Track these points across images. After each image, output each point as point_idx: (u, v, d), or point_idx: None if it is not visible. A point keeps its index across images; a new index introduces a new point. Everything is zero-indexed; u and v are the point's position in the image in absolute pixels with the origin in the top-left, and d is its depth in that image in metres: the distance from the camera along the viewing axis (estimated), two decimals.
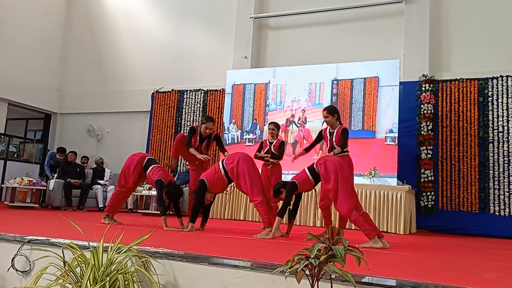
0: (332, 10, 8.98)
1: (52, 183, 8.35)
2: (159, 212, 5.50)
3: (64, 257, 2.43)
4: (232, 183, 4.97)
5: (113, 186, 8.67)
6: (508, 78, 7.53)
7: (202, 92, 9.73)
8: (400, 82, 7.57)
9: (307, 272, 1.86)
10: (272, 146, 5.79)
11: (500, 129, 7.47)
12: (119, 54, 11.20)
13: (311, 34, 9.23)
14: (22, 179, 8.11)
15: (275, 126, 6.03)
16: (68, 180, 8.38)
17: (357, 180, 6.94)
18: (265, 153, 5.73)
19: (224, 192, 5.26)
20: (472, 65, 7.91)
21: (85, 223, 5.04)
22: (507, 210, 7.23)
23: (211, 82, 9.69)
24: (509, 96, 7.49)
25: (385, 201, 6.82)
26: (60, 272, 2.35)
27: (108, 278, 2.21)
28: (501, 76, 7.58)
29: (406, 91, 7.89)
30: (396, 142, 7.30)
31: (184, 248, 2.78)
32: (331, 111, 4.95)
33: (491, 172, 7.43)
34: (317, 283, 1.87)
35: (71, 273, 2.31)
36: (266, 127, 8.27)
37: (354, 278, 1.85)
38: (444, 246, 5.03)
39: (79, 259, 2.33)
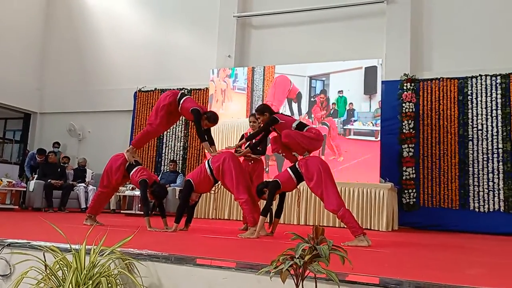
0: (315, 10, 9.03)
1: (32, 184, 8.20)
2: (142, 213, 5.44)
3: (45, 260, 2.38)
4: (219, 183, 4.94)
5: (94, 187, 8.56)
6: (487, 77, 7.70)
7: (186, 91, 9.67)
8: (382, 81, 7.66)
9: (292, 272, 1.87)
10: (253, 141, 5.35)
11: (480, 127, 7.63)
12: (101, 53, 11.05)
13: (294, 33, 9.26)
14: (1, 180, 7.94)
15: (256, 118, 5.87)
16: (49, 181, 8.24)
17: (340, 177, 7.03)
18: (245, 148, 5.29)
19: (211, 191, 5.22)
20: (452, 65, 8.06)
21: (67, 224, 4.96)
22: (486, 206, 7.40)
23: (194, 81, 9.64)
24: (488, 95, 7.66)
25: (368, 199, 6.89)
26: (41, 276, 2.31)
27: (91, 282, 2.18)
28: (480, 75, 7.74)
29: (388, 90, 8.00)
30: (379, 138, 7.38)
31: (168, 249, 2.75)
32: (261, 111, 4.74)
33: (470, 169, 7.59)
34: (302, 282, 1.88)
35: (52, 276, 2.27)
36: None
37: (338, 277, 1.86)
38: (426, 243, 5.11)
39: (61, 262, 2.29)
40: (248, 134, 5.71)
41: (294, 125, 4.65)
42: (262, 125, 4.85)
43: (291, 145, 4.59)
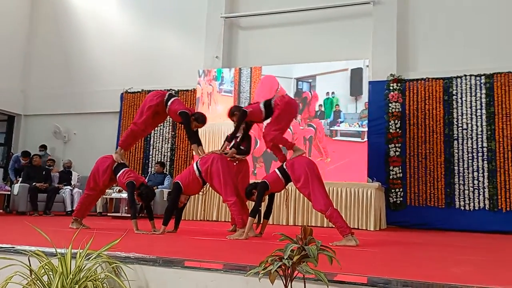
0: (302, 11, 9.06)
1: (16, 187, 8.06)
2: (129, 215, 5.39)
3: (30, 265, 2.35)
4: (207, 184, 4.93)
5: (79, 190, 8.46)
6: (471, 77, 7.81)
7: (173, 92, 9.60)
8: (369, 82, 7.71)
9: (281, 272, 1.86)
10: (238, 140, 5.33)
11: (464, 126, 7.74)
12: (87, 54, 10.92)
13: (282, 34, 9.28)
14: None
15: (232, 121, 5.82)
16: (34, 184, 8.10)
17: (328, 177, 7.05)
18: (230, 148, 5.26)
19: (199, 193, 5.20)
20: (437, 65, 8.16)
21: (52, 228, 4.90)
22: (471, 204, 7.50)
23: (182, 82, 9.59)
24: (473, 94, 7.77)
25: (356, 199, 6.93)
26: (26, 281, 2.27)
27: (77, 286, 2.15)
28: (464, 75, 7.84)
29: (375, 90, 8.06)
30: (366, 139, 7.42)
31: (156, 252, 2.73)
32: (231, 114, 5.06)
33: (456, 168, 7.69)
34: (291, 283, 1.87)
35: (38, 281, 2.23)
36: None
37: (326, 277, 1.87)
38: (413, 241, 5.16)
39: (46, 266, 2.26)
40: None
41: (261, 106, 4.78)
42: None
43: (278, 141, 4.64)
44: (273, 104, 4.75)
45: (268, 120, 4.85)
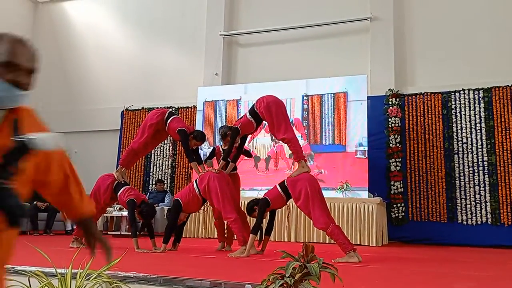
0: (301, 27, 9.16)
1: None
2: (130, 234, 5.36)
3: (30, 286, 2.33)
4: (208, 202, 4.92)
5: None
6: (470, 91, 7.84)
7: (173, 109, 9.64)
8: (368, 97, 7.75)
9: None
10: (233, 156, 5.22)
11: (464, 140, 7.74)
12: (87, 72, 11.01)
13: (281, 50, 9.36)
14: None
15: (226, 142, 5.78)
16: (35, 202, 8.07)
17: (330, 194, 7.05)
18: (219, 162, 5.20)
19: (199, 211, 5.19)
20: (436, 80, 8.21)
21: (53, 248, 4.86)
22: (474, 219, 7.45)
23: (182, 99, 9.64)
24: (471, 108, 7.80)
25: (358, 214, 6.90)
26: None
27: None
28: (463, 89, 7.89)
29: (374, 105, 8.09)
30: (366, 155, 7.43)
31: (157, 271, 2.71)
32: (224, 136, 5.17)
33: (457, 182, 7.66)
34: None
35: None
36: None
37: None
38: (416, 257, 5.12)
39: (46, 287, 2.24)
40: (221, 149, 5.63)
41: (249, 117, 4.80)
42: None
43: (294, 145, 4.62)
44: (257, 110, 4.76)
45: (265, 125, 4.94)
